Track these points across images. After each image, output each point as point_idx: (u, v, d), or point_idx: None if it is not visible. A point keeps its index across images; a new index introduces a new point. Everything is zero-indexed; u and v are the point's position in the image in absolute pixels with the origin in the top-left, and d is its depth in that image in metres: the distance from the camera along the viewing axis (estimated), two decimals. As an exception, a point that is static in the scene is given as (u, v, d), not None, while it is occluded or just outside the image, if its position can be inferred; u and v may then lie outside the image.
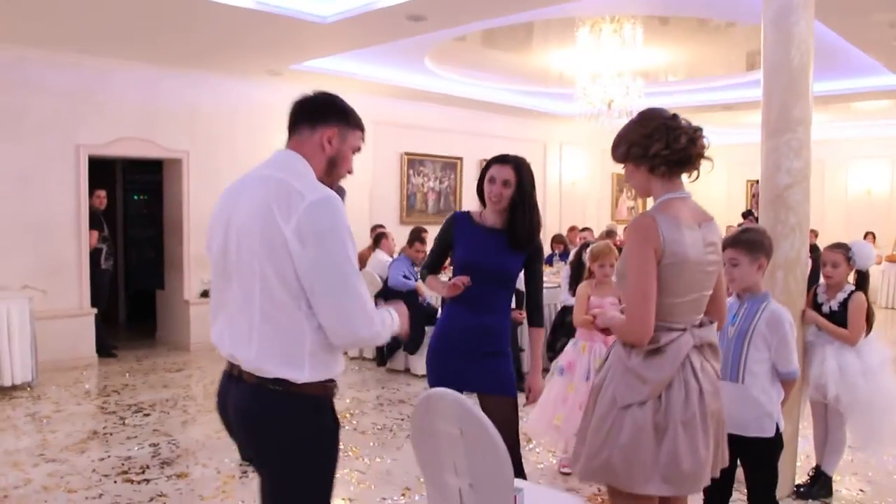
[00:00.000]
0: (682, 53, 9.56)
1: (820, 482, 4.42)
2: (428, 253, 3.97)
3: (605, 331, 2.77)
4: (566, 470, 4.74)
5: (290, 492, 2.25)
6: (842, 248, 4.30)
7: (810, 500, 4.34)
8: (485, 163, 3.60)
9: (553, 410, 4.60)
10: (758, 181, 5.06)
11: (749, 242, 3.22)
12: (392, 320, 2.33)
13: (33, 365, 6.97)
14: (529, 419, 4.79)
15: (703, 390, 2.45)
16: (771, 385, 3.20)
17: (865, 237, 14.24)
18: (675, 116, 2.51)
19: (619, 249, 3.44)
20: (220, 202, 2.37)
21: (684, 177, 2.59)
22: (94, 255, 8.30)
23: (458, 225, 3.60)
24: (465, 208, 12.97)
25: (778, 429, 3.21)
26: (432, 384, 3.60)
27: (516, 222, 3.45)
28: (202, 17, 6.30)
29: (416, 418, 2.72)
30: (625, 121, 7.71)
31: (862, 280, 4.37)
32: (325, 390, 2.25)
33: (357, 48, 7.62)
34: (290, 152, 2.31)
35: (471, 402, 2.55)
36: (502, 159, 3.50)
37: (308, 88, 2.42)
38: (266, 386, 2.17)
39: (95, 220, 8.33)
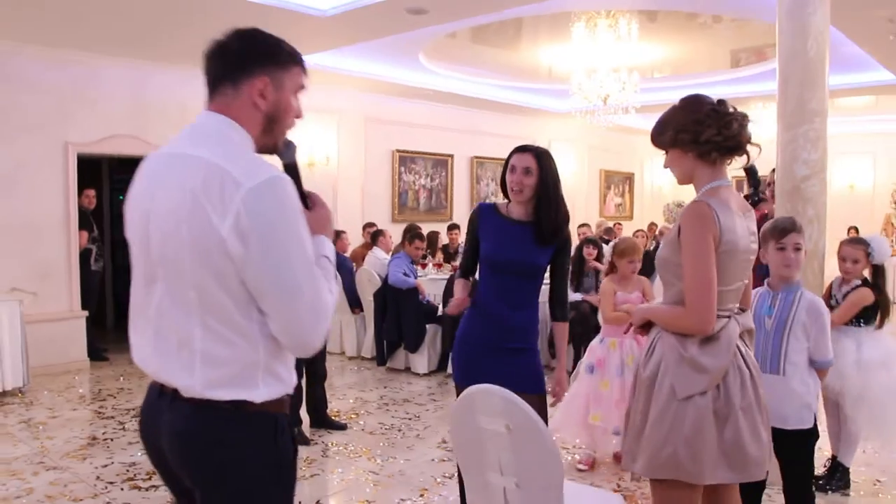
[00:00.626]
0: (671, 49, 9.59)
1: (838, 474, 4.40)
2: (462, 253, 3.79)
3: (643, 327, 2.71)
4: (582, 467, 4.69)
5: None
6: (862, 243, 4.26)
7: (829, 492, 4.32)
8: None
9: (585, 409, 4.56)
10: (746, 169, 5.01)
11: (802, 231, 3.27)
12: (329, 263, 1.90)
13: (24, 370, 6.80)
14: (555, 418, 4.74)
15: (753, 375, 2.48)
16: (809, 375, 3.17)
17: (848, 232, 14.42)
18: (721, 102, 2.47)
19: (655, 241, 3.40)
20: (137, 183, 1.90)
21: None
22: (84, 255, 8.13)
23: (483, 217, 3.49)
24: (456, 206, 12.92)
25: (815, 419, 3.17)
26: (458, 381, 3.52)
27: (541, 214, 3.36)
28: (195, 11, 6.19)
29: (458, 415, 2.64)
30: (621, 116, 7.66)
31: (877, 274, 4.32)
32: (282, 407, 1.87)
33: (356, 42, 7.52)
34: (218, 118, 1.82)
35: (518, 398, 2.47)
36: (523, 148, 3.40)
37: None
38: (212, 405, 1.75)
39: (85, 221, 8.16)
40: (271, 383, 1.80)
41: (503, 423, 2.47)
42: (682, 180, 2.57)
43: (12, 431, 5.65)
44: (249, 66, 1.82)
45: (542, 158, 3.37)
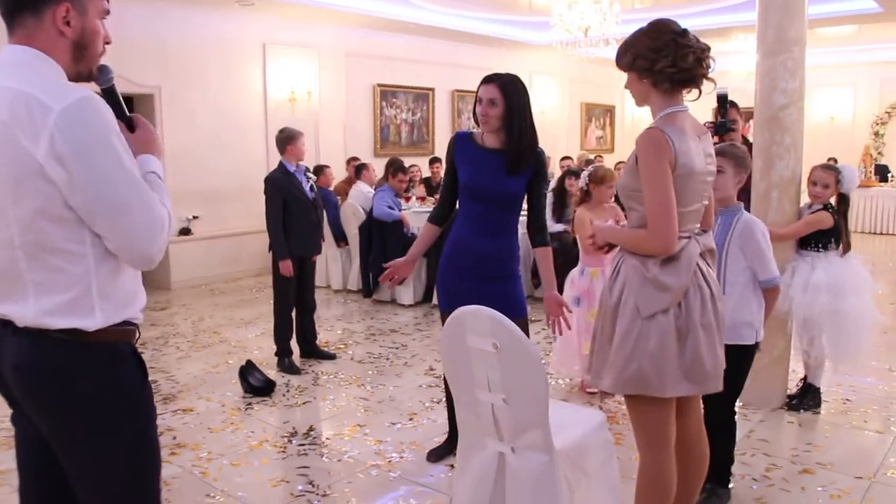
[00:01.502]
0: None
1: (810, 394, 4.60)
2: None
3: (605, 249, 2.82)
4: (591, 390, 4.82)
5: (96, 465, 1.82)
6: (833, 170, 4.39)
7: (802, 411, 4.52)
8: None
9: (578, 340, 4.67)
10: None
11: (736, 157, 3.29)
12: (158, 177, 1.91)
13: None
14: (553, 355, 4.90)
15: (713, 294, 2.56)
16: (753, 294, 3.27)
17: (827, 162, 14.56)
18: (684, 32, 2.47)
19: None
20: None
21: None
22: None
23: (459, 146, 3.57)
24: (437, 140, 12.91)
25: (756, 337, 3.27)
26: (443, 308, 3.64)
27: (510, 142, 3.44)
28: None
29: (447, 336, 2.75)
30: (601, 48, 7.65)
31: (843, 202, 4.42)
32: (125, 336, 1.83)
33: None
34: (21, 49, 1.75)
35: (505, 318, 2.58)
36: (488, 79, 3.44)
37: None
38: (49, 336, 1.74)
39: None
40: (108, 310, 1.78)
41: (491, 342, 2.59)
42: (639, 103, 2.62)
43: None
44: None
45: (507, 87, 3.40)
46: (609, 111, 16.38)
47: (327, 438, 4.26)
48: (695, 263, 2.52)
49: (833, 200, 4.44)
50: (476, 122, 3.52)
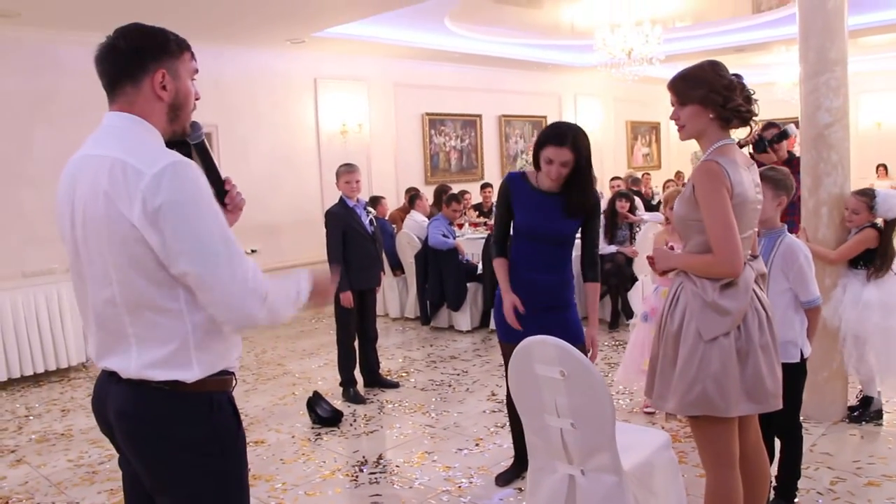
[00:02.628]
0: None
1: (870, 405, 4.63)
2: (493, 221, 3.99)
3: (664, 273, 2.93)
4: (649, 409, 4.96)
5: None
6: (865, 195, 4.36)
7: (863, 423, 4.55)
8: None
9: (640, 356, 4.78)
10: (769, 122, 5.27)
11: (774, 180, 3.38)
12: (297, 292, 1.99)
13: (86, 345, 7.14)
14: (619, 370, 5.02)
15: (769, 316, 2.69)
16: (795, 314, 3.37)
17: (877, 170, 14.39)
18: (736, 75, 2.67)
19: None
20: (58, 192, 1.98)
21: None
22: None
23: (515, 187, 3.68)
24: (486, 165, 13.03)
25: (802, 356, 3.38)
26: (501, 338, 3.79)
27: (573, 192, 3.56)
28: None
29: (516, 365, 2.90)
30: (645, 67, 7.73)
31: (889, 227, 4.38)
32: (221, 385, 1.95)
33: (381, 11, 7.66)
34: (121, 115, 1.90)
35: (572, 346, 2.73)
36: (560, 140, 3.45)
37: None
38: (149, 385, 1.86)
39: None
40: (206, 362, 1.87)
41: (558, 369, 2.73)
42: (690, 136, 2.71)
43: (84, 404, 6.00)
44: (144, 62, 1.89)
45: (579, 148, 3.47)
46: (654, 128, 16.40)
47: (397, 466, 4.41)
48: (751, 288, 2.64)
49: (880, 222, 4.48)
50: (536, 165, 3.61)
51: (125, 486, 2.13)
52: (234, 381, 2.01)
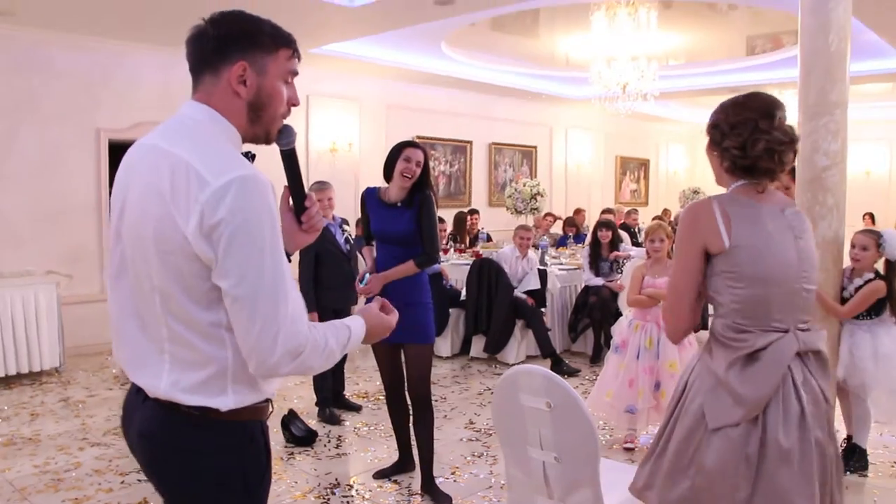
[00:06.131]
0: (687, 37, 9.69)
1: (855, 455, 4.56)
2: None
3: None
4: (629, 445, 4.92)
5: None
6: (873, 234, 4.44)
7: (848, 473, 4.47)
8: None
9: (607, 387, 4.75)
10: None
11: None
12: (348, 336, 1.76)
13: (61, 350, 7.02)
14: (590, 396, 4.96)
15: (804, 412, 2.06)
16: None
17: (864, 218, 14.49)
18: (771, 116, 2.17)
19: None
20: (117, 179, 1.80)
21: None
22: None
23: (368, 199, 4.22)
24: (475, 193, 13.06)
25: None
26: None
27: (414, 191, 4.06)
28: None
29: (500, 394, 2.81)
30: (639, 103, 7.73)
31: (891, 269, 4.45)
32: (256, 414, 1.76)
33: (381, 31, 7.65)
34: (198, 107, 1.71)
35: (559, 377, 2.65)
36: (415, 144, 4.10)
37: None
38: (178, 409, 1.68)
39: None
40: (242, 391, 1.69)
41: (544, 400, 2.64)
42: (716, 180, 2.34)
43: (54, 409, 5.87)
44: (227, 51, 1.69)
45: (426, 153, 4.11)
46: (644, 165, 16.47)
47: (370, 491, 4.29)
48: (785, 365, 2.07)
49: (881, 267, 4.47)
50: (388, 177, 4.10)
51: None
52: (270, 409, 1.82)
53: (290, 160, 1.86)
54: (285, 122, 1.81)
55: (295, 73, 1.77)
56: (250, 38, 1.70)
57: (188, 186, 1.55)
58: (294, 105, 1.79)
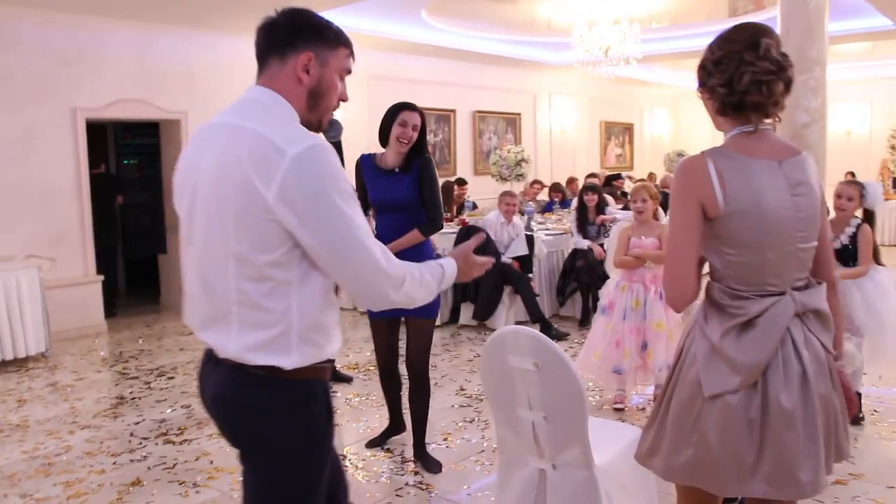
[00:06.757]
0: (668, 0, 9.62)
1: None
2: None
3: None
4: (619, 405, 4.97)
5: (272, 491, 1.91)
6: (857, 184, 4.51)
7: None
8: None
9: (594, 348, 4.77)
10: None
11: None
12: (442, 276, 2.00)
13: (46, 335, 6.96)
14: (578, 358, 4.99)
15: (806, 372, 2.00)
16: None
17: (846, 176, 14.57)
18: (756, 45, 2.00)
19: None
20: (186, 154, 1.97)
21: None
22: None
23: (364, 167, 4.10)
24: (459, 162, 13.00)
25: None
26: (372, 314, 4.04)
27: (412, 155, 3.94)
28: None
29: (488, 355, 2.82)
30: (622, 67, 7.67)
31: (869, 218, 4.56)
32: (318, 373, 1.91)
33: (355, 1, 7.55)
34: (263, 90, 1.89)
35: (546, 337, 2.65)
36: (411, 106, 3.91)
37: None
38: (247, 371, 1.83)
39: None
40: (306, 350, 1.83)
41: (532, 361, 2.65)
42: (714, 125, 2.18)
43: (42, 394, 5.83)
44: (296, 41, 1.87)
45: (423, 115, 3.96)
46: (628, 129, 16.45)
47: (363, 460, 4.31)
48: (782, 331, 2.00)
49: (860, 215, 4.52)
50: (384, 141, 4.02)
51: None
52: (332, 368, 1.98)
53: (337, 152, 2.02)
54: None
55: (349, 72, 1.96)
56: (317, 33, 1.89)
57: (266, 156, 1.71)
58: (343, 100, 1.97)
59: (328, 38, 1.90)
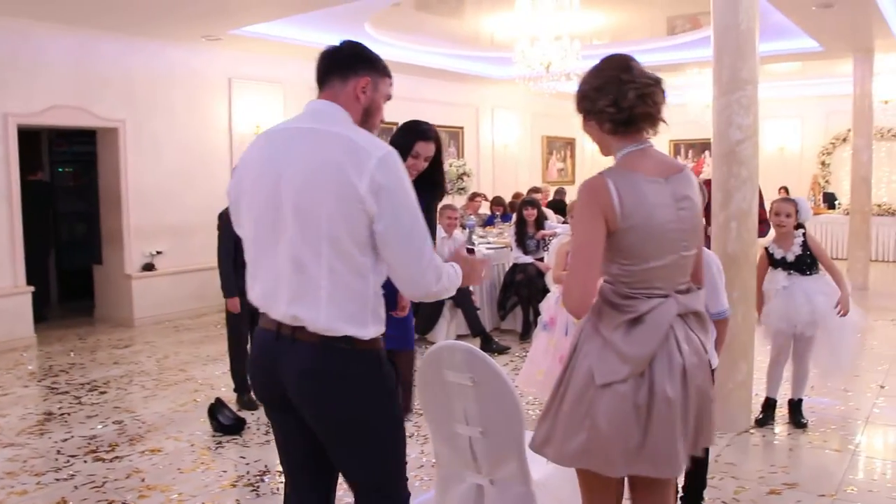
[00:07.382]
0: (609, 17, 9.80)
1: (770, 409, 4.90)
2: None
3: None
4: None
5: (373, 453, 2.23)
6: (791, 201, 4.74)
7: (770, 424, 4.84)
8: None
9: (537, 365, 4.76)
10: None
11: None
12: (457, 274, 2.27)
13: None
14: (520, 373, 5.00)
15: (686, 365, 2.22)
16: None
17: (780, 191, 15.00)
18: (628, 68, 2.24)
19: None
20: (260, 154, 2.24)
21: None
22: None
23: None
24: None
25: (710, 367, 3.40)
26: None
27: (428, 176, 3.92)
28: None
29: (425, 370, 2.80)
30: (563, 83, 7.75)
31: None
32: (379, 344, 2.25)
33: (302, 12, 7.52)
34: (331, 104, 2.22)
35: (481, 352, 2.65)
36: (428, 135, 3.75)
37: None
38: (333, 345, 2.12)
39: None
40: (376, 324, 2.20)
41: (468, 376, 2.65)
42: (601, 151, 2.40)
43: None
44: (357, 67, 2.24)
45: (438, 139, 3.85)
46: (570, 143, 16.67)
47: (300, 475, 4.25)
48: (666, 328, 2.22)
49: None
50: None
51: (283, 446, 2.40)
52: (382, 341, 2.28)
53: None
54: None
55: (389, 97, 2.34)
56: (373, 63, 2.28)
57: (358, 156, 2.07)
58: (382, 122, 2.35)
59: (380, 68, 2.29)
